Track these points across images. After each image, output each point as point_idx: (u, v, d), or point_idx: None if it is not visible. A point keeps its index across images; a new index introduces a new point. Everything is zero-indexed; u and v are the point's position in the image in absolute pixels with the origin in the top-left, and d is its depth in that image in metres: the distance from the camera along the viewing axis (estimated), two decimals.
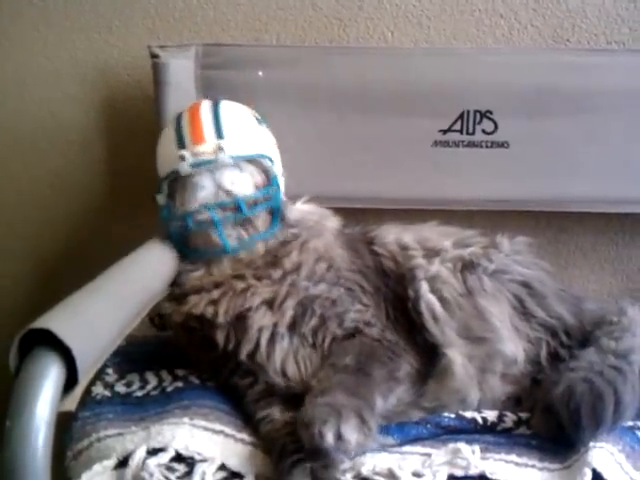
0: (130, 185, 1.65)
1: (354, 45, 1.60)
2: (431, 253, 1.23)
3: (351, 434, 0.91)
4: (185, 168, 1.19)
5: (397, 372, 1.09)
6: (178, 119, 1.26)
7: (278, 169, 1.29)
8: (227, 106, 1.29)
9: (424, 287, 1.17)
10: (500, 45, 1.59)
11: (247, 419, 1.07)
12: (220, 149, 1.20)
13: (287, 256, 1.17)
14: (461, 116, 1.48)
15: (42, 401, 0.78)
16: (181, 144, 1.21)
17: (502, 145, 1.50)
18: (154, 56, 1.47)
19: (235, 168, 1.22)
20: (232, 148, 1.21)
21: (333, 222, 1.31)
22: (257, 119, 1.32)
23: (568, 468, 0.97)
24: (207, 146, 1.20)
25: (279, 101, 1.49)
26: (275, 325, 1.11)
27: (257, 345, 1.10)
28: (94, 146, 1.68)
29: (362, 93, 1.49)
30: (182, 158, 1.19)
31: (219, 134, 1.22)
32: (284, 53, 1.54)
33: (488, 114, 1.48)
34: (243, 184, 1.22)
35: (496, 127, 1.49)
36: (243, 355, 1.10)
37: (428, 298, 1.16)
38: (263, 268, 1.16)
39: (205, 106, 1.27)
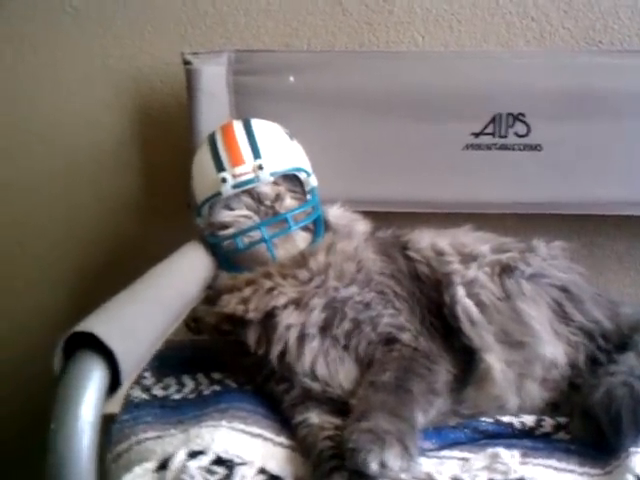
0: (165, 190, 1.67)
1: (384, 49, 1.60)
2: (468, 258, 1.22)
3: (394, 462, 0.90)
4: (228, 190, 1.23)
5: (436, 384, 1.07)
6: (212, 142, 1.29)
7: (314, 181, 1.31)
8: (259, 125, 1.32)
9: (460, 292, 1.16)
10: (532, 47, 1.58)
11: (285, 423, 1.07)
12: (260, 168, 1.23)
13: (313, 257, 1.18)
14: (493, 119, 1.48)
15: (86, 403, 0.80)
16: (220, 167, 1.25)
17: (535, 148, 1.48)
18: (186, 63, 1.49)
19: (276, 185, 1.26)
20: (270, 165, 1.25)
21: (363, 226, 1.32)
22: (288, 135, 1.36)
23: (609, 474, 0.96)
24: (246, 167, 1.24)
25: (310, 106, 1.50)
26: (303, 325, 1.10)
27: (286, 345, 1.10)
28: (129, 153, 1.70)
29: (393, 97, 1.49)
30: (224, 180, 1.23)
31: (256, 153, 1.26)
32: (315, 58, 1.55)
33: (521, 117, 1.47)
34: (287, 199, 1.26)
35: (529, 130, 1.48)
36: (273, 356, 1.10)
37: (464, 302, 1.15)
38: (290, 267, 1.17)
39: (238, 127, 1.31)
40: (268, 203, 1.25)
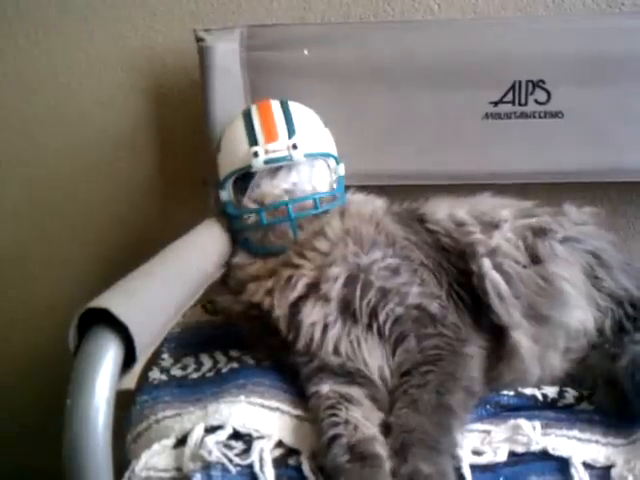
0: (180, 168, 1.67)
1: (399, 19, 1.57)
2: (489, 227, 1.19)
3: None
4: (259, 164, 1.21)
5: (472, 382, 1.04)
6: (247, 116, 1.28)
7: (342, 170, 1.31)
8: (296, 106, 1.31)
9: (486, 263, 1.13)
10: (551, 12, 1.53)
11: (302, 396, 1.06)
12: (294, 147, 1.21)
13: (328, 224, 1.17)
14: (512, 87, 1.43)
15: (102, 379, 0.80)
16: (253, 141, 1.23)
17: (556, 115, 1.44)
18: (199, 40, 1.47)
19: (308, 165, 1.26)
20: (305, 146, 1.23)
21: (380, 201, 1.30)
22: (322, 121, 1.34)
23: (634, 443, 0.95)
24: (280, 143, 1.22)
25: (326, 79, 1.47)
26: (326, 315, 1.09)
27: (312, 337, 1.09)
28: (144, 133, 1.69)
29: (409, 68, 1.46)
30: (255, 154, 1.21)
31: (292, 131, 1.24)
32: (329, 31, 1.52)
33: (541, 84, 1.43)
34: (317, 181, 1.26)
35: (549, 97, 1.43)
36: (300, 346, 1.09)
37: (492, 276, 1.11)
38: (307, 242, 1.16)
39: (275, 104, 1.30)
40: (302, 182, 1.24)
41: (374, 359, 1.07)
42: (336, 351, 1.08)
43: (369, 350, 1.08)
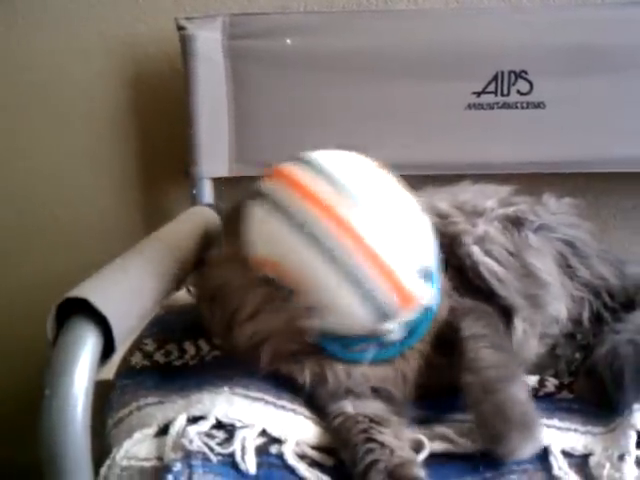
0: (162, 158, 1.66)
1: (382, 9, 1.57)
2: (473, 216, 1.17)
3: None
4: (394, 337, 0.94)
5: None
6: (350, 272, 0.86)
7: None
8: (390, 221, 0.94)
9: (477, 251, 1.10)
10: (534, 2, 1.54)
11: (286, 386, 1.04)
12: (430, 294, 0.94)
13: None
14: (495, 77, 1.45)
15: (80, 369, 0.79)
16: (382, 314, 0.89)
17: (538, 106, 1.46)
18: (181, 28, 1.48)
19: None
20: (432, 275, 0.96)
21: None
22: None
23: (612, 431, 0.95)
24: (417, 304, 0.93)
25: (308, 68, 1.48)
26: None
27: None
28: (125, 121, 1.68)
29: (392, 57, 1.47)
30: (390, 331, 0.92)
31: (428, 276, 0.93)
32: (312, 20, 1.52)
33: (523, 74, 1.44)
34: None
35: (532, 87, 1.45)
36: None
37: (485, 261, 1.09)
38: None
39: (378, 241, 0.89)
40: None
41: None
42: None
43: None
